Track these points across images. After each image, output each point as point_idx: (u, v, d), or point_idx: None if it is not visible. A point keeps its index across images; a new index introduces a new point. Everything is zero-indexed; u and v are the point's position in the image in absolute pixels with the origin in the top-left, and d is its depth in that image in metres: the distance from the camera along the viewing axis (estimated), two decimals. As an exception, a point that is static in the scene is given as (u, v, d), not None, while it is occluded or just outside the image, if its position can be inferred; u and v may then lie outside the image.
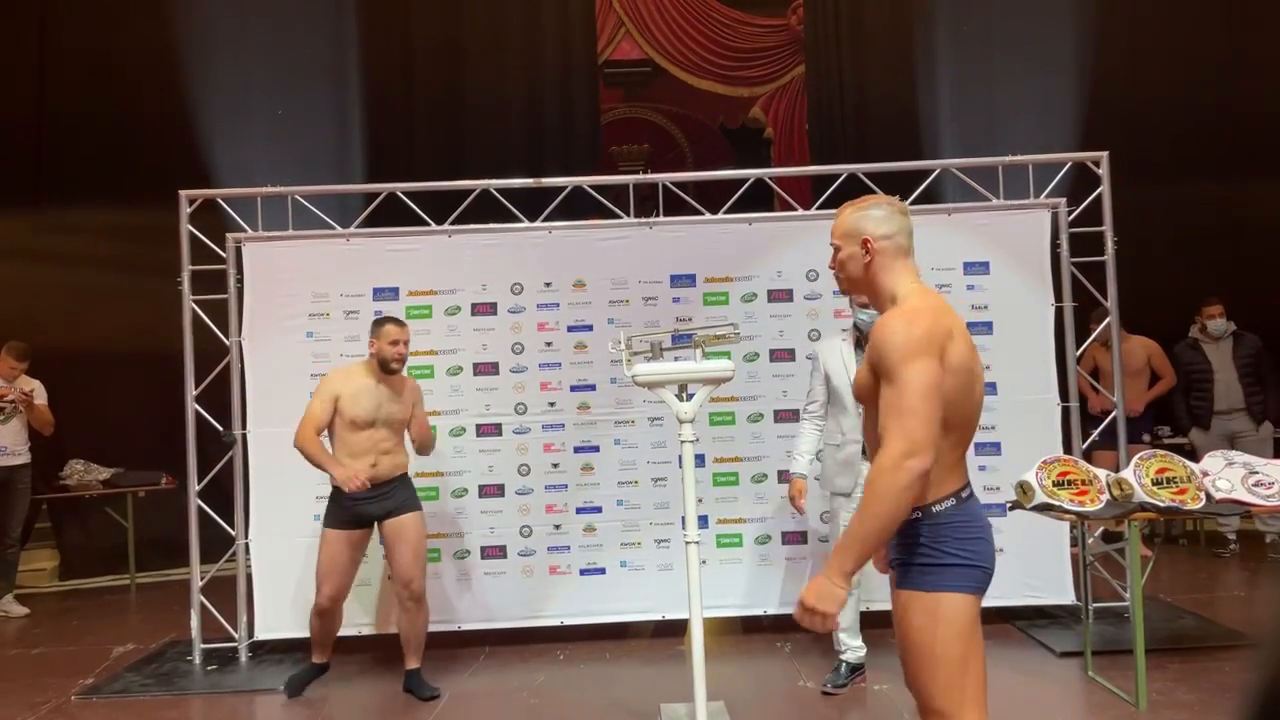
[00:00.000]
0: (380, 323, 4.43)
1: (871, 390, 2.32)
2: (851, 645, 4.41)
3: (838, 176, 5.52)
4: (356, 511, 4.35)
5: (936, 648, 2.22)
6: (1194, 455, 6.72)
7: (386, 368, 4.38)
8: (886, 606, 4.98)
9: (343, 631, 5.15)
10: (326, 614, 4.48)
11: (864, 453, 4.09)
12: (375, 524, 4.47)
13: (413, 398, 4.55)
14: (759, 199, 5.67)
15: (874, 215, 2.39)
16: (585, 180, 5.56)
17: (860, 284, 2.44)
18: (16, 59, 7.63)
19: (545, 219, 5.44)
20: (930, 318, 2.24)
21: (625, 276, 5.34)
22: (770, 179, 5.70)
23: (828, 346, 4.44)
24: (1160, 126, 7.72)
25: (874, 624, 4.55)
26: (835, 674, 4.39)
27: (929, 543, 2.24)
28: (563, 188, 5.49)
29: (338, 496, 4.36)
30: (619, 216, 5.50)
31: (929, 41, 8.32)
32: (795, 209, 5.45)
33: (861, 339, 4.23)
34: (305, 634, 5.17)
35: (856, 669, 4.43)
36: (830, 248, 2.49)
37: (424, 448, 4.62)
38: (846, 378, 4.18)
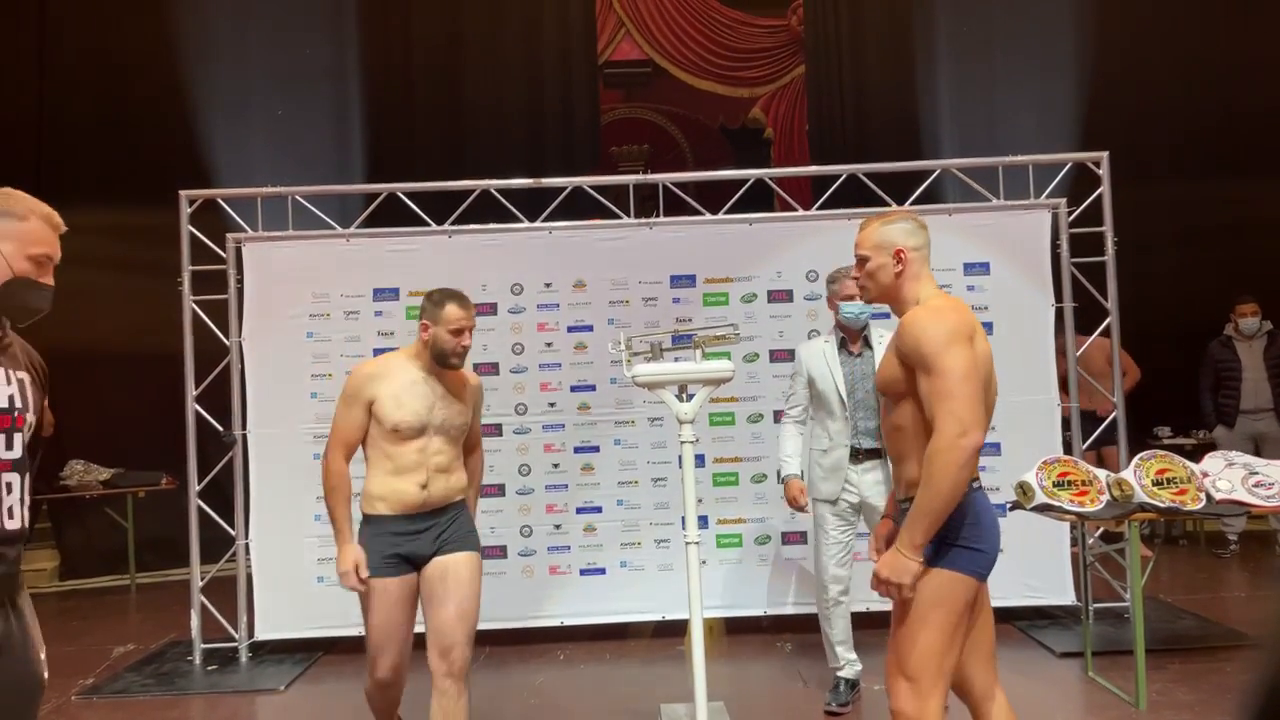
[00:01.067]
0: (439, 300, 3.27)
1: (897, 383, 2.45)
2: (849, 659, 4.22)
3: (838, 177, 5.53)
4: (403, 551, 3.24)
5: (931, 620, 2.35)
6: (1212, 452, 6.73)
7: (444, 361, 3.28)
8: (877, 607, 4.95)
9: (343, 631, 5.17)
10: (389, 686, 3.30)
11: (856, 450, 4.08)
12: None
13: (474, 400, 3.46)
14: (759, 199, 5.67)
15: (905, 228, 2.56)
16: (585, 180, 5.56)
17: (889, 292, 2.57)
18: (16, 59, 7.63)
19: (545, 219, 5.44)
20: (956, 314, 2.41)
21: (625, 277, 5.34)
22: (770, 179, 5.70)
23: (811, 349, 4.29)
24: (1160, 126, 7.72)
25: (869, 625, 4.54)
26: (836, 693, 4.20)
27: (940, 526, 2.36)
28: (563, 188, 5.49)
29: (375, 531, 3.25)
30: (619, 217, 5.50)
31: (929, 41, 8.32)
32: (795, 209, 5.45)
33: (847, 337, 4.19)
34: (304, 634, 5.20)
35: (855, 685, 4.25)
36: (856, 258, 2.62)
37: (472, 475, 3.54)
38: (833, 381, 4.10)
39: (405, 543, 3.23)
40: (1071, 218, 5.32)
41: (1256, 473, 4.03)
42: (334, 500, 3.24)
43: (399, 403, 3.21)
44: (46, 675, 2.17)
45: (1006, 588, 5.17)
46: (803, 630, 5.06)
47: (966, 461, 2.28)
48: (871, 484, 4.05)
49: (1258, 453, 6.53)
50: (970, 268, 5.29)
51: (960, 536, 2.37)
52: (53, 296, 2.11)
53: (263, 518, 5.17)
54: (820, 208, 5.43)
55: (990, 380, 2.46)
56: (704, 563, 4.61)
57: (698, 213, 5.52)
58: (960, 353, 2.31)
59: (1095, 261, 5.32)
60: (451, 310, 3.23)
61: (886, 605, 5.05)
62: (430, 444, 3.25)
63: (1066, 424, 5.36)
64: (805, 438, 4.29)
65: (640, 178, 5.61)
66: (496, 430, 5.26)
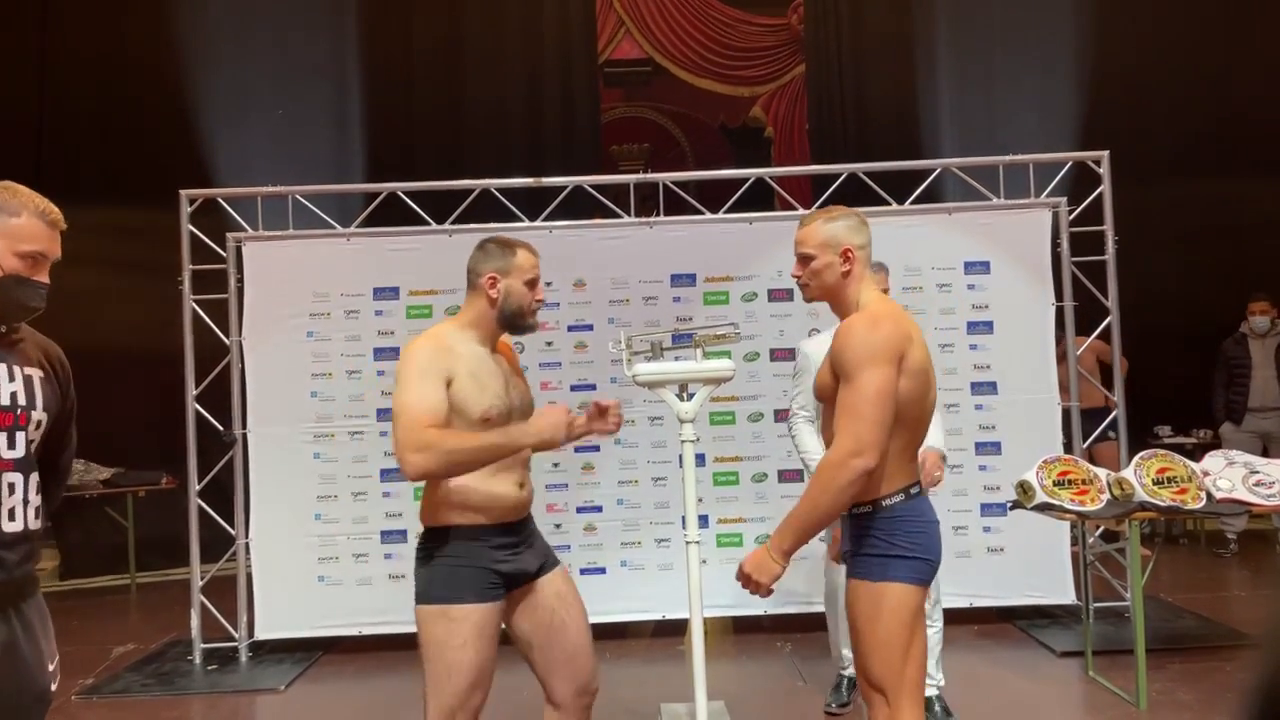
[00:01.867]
0: (504, 248, 2.73)
1: (832, 390, 2.43)
2: (850, 658, 4.12)
3: (838, 176, 5.52)
4: (505, 569, 2.59)
5: (881, 635, 2.36)
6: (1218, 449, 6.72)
7: (519, 322, 2.74)
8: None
9: (343, 631, 5.18)
10: None
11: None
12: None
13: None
14: (759, 198, 5.67)
15: (851, 225, 2.52)
16: (585, 180, 5.56)
17: (833, 291, 2.54)
18: (17, 59, 7.63)
19: (545, 218, 5.44)
20: (892, 323, 2.37)
21: (625, 276, 5.34)
22: (771, 178, 5.71)
23: (814, 345, 4.21)
24: (1160, 126, 7.72)
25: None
26: (837, 692, 4.22)
27: (880, 535, 2.38)
28: (563, 187, 5.49)
29: (471, 546, 2.55)
30: (619, 216, 5.50)
31: (929, 41, 8.32)
32: (796, 208, 5.45)
33: None
34: (304, 634, 5.20)
35: (856, 683, 4.27)
36: (799, 256, 2.56)
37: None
38: None
39: (508, 560, 2.59)
40: (1072, 217, 5.32)
41: (1257, 471, 4.03)
42: (465, 447, 2.43)
43: (481, 384, 2.54)
44: (55, 686, 2.13)
45: (1006, 587, 5.18)
46: (803, 630, 5.06)
47: (853, 481, 2.27)
48: None
49: (1265, 451, 6.53)
50: (970, 267, 5.28)
51: (905, 547, 2.38)
52: (46, 294, 2.05)
53: (263, 517, 5.17)
54: (820, 207, 5.41)
55: (928, 388, 2.44)
56: (704, 562, 4.59)
57: (698, 212, 5.51)
58: (881, 373, 2.29)
59: (1095, 260, 5.32)
60: (525, 256, 2.73)
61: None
62: None
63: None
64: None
65: (640, 177, 5.62)
66: (497, 430, 5.26)
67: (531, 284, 2.72)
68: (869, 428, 2.26)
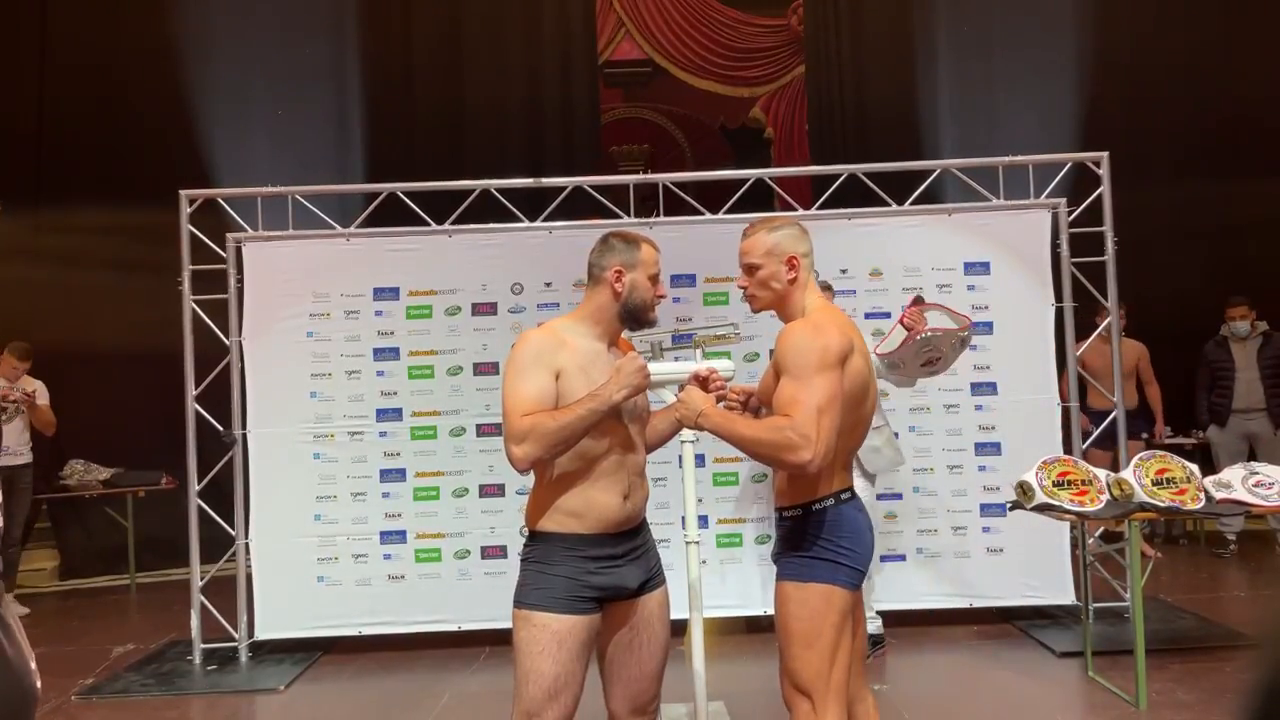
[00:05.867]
0: (628, 242, 2.64)
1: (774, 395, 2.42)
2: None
3: (838, 177, 5.52)
4: (599, 581, 2.53)
5: (812, 637, 2.37)
6: (1209, 452, 6.74)
7: (643, 317, 2.65)
8: (890, 606, 4.98)
9: (343, 631, 5.18)
10: None
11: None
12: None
13: None
14: (759, 199, 5.67)
15: (793, 234, 2.55)
16: (585, 180, 5.56)
17: (781, 299, 2.55)
18: (17, 59, 7.63)
19: (545, 219, 5.44)
20: (836, 331, 2.37)
21: (625, 276, 5.33)
22: (770, 179, 5.71)
23: None
24: (1160, 126, 7.72)
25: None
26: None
27: (814, 538, 2.40)
28: (563, 188, 5.49)
29: (564, 553, 2.50)
30: (619, 216, 5.50)
31: (929, 41, 8.32)
32: (795, 209, 5.45)
33: None
34: (304, 634, 5.21)
35: (878, 641, 4.60)
36: (745, 266, 2.60)
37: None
38: None
39: (605, 571, 2.53)
40: (1071, 218, 5.32)
41: (1257, 472, 4.03)
42: (560, 423, 2.38)
43: (590, 379, 2.47)
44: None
45: (1006, 587, 5.18)
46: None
47: (788, 464, 2.30)
48: None
49: (1252, 452, 6.55)
50: (970, 267, 5.29)
51: (840, 551, 2.39)
52: None
53: (262, 517, 5.17)
54: (820, 207, 5.43)
55: (865, 396, 2.46)
56: (704, 563, 4.60)
57: (698, 212, 5.51)
58: (829, 379, 2.29)
59: (1095, 261, 5.32)
60: (648, 251, 2.65)
61: (887, 605, 5.02)
62: (629, 437, 2.59)
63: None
64: None
65: (640, 177, 5.62)
66: (496, 430, 5.26)
67: (654, 279, 2.65)
68: (824, 436, 2.25)
